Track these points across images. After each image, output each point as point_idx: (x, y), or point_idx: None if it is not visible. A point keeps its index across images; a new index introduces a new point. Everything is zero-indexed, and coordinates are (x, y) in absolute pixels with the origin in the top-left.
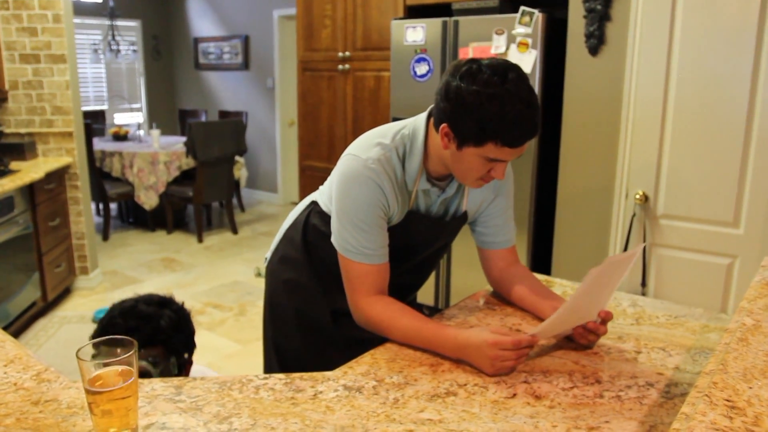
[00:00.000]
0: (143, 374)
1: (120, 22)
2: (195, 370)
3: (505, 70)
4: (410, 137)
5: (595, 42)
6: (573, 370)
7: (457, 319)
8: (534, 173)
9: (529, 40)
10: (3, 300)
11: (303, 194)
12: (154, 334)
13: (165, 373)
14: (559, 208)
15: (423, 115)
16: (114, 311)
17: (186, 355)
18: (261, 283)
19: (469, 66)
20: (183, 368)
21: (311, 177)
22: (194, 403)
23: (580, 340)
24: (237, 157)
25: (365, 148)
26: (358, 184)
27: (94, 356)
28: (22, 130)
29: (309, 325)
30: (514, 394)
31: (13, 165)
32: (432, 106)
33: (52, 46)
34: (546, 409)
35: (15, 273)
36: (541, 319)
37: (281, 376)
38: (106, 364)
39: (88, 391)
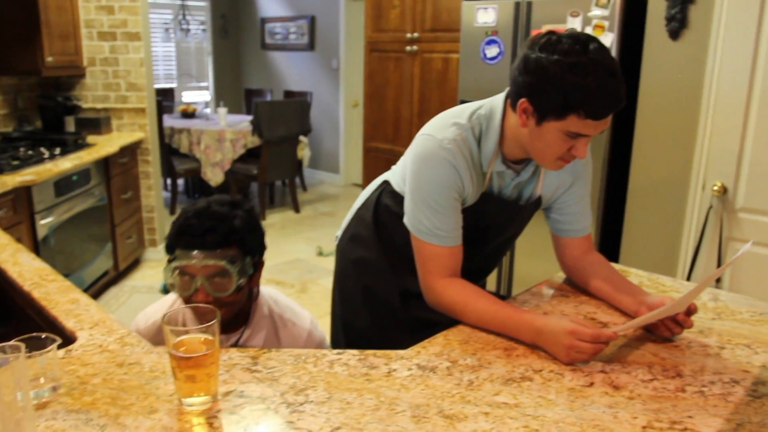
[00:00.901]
0: (222, 273)
1: (190, 2)
2: (265, 291)
3: (586, 39)
4: (487, 117)
5: (677, 25)
6: (652, 362)
7: (529, 304)
8: (605, 160)
9: (606, 23)
10: (78, 268)
11: (366, 175)
12: (229, 234)
13: (242, 273)
14: (630, 197)
15: (500, 96)
16: (188, 212)
17: (258, 257)
18: (322, 262)
19: (548, 37)
20: (257, 269)
21: (375, 158)
22: (270, 373)
23: (663, 332)
24: (301, 137)
25: (441, 128)
26: (433, 165)
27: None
28: (99, 106)
29: (377, 305)
30: (592, 383)
31: (90, 139)
32: (508, 88)
33: (128, 24)
34: (625, 400)
35: (90, 243)
36: (617, 309)
37: (355, 352)
38: (189, 332)
39: (172, 356)
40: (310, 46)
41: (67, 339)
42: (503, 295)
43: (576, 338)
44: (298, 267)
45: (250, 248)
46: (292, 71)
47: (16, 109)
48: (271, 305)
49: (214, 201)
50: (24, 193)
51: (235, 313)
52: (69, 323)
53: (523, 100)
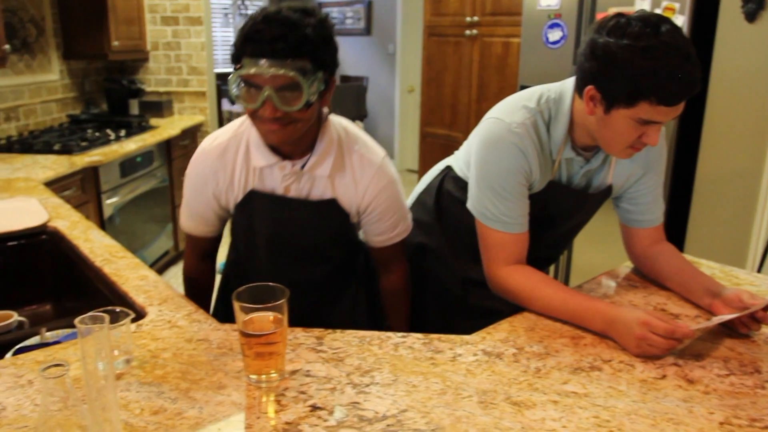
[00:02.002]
0: (292, 85)
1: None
2: (334, 118)
3: (657, 21)
4: (556, 102)
5: (754, 7)
6: (728, 357)
7: (595, 294)
8: (672, 148)
9: (677, 5)
10: (141, 247)
11: (423, 161)
12: (302, 43)
13: (314, 87)
14: (697, 187)
15: (570, 80)
16: (256, 18)
17: (330, 73)
18: None
19: (616, 20)
20: (329, 87)
21: (432, 143)
22: (335, 354)
23: (740, 328)
24: (357, 122)
25: (509, 112)
26: (501, 149)
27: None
28: (161, 89)
29: (437, 291)
30: (664, 376)
31: (153, 121)
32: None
33: (190, 9)
34: (700, 395)
35: (151, 223)
36: (689, 301)
37: (419, 335)
38: (259, 310)
39: (242, 333)
40: (367, 30)
41: (138, 314)
42: None
43: (649, 330)
44: None
45: (323, 62)
46: (349, 56)
47: (83, 92)
48: (341, 133)
49: (285, 6)
50: (92, 173)
51: (301, 134)
52: (139, 299)
53: (590, 87)
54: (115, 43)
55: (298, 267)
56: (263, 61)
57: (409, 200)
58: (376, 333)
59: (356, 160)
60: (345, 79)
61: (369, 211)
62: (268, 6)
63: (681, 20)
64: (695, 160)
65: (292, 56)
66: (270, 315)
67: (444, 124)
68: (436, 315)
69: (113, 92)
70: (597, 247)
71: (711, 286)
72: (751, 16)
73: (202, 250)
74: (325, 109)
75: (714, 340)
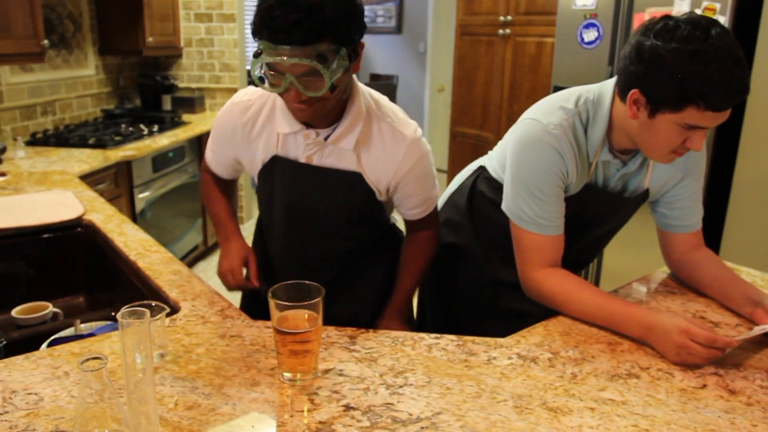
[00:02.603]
0: (314, 72)
1: None
2: (365, 88)
3: (707, 24)
4: (595, 103)
5: None
6: None
7: (632, 298)
8: (709, 152)
9: (718, 5)
10: (171, 242)
11: (452, 160)
12: (321, 27)
13: (337, 69)
14: (734, 193)
15: (610, 82)
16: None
17: (356, 42)
18: None
19: (664, 23)
20: (356, 57)
21: (462, 143)
22: (369, 354)
23: None
24: None
25: (547, 113)
26: (538, 150)
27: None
28: (193, 85)
29: (468, 292)
30: (704, 385)
31: (185, 117)
32: (617, 76)
33: (223, 6)
34: (743, 406)
35: (182, 218)
36: (729, 309)
37: (453, 337)
38: (294, 307)
39: (276, 331)
40: (398, 29)
41: (171, 308)
42: None
43: (689, 338)
44: None
45: (347, 37)
46: (379, 54)
47: (117, 87)
48: (371, 105)
49: None
50: (125, 167)
51: (331, 107)
52: (172, 293)
53: (634, 91)
54: (150, 39)
55: (315, 241)
56: (281, 49)
57: (441, 200)
58: (408, 333)
59: (387, 133)
60: (375, 77)
61: (400, 188)
62: None
63: (722, 21)
64: (733, 164)
65: (312, 42)
66: (305, 313)
67: (475, 124)
68: (466, 316)
69: (146, 88)
70: (628, 252)
71: (752, 294)
72: None
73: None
74: (352, 78)
75: (756, 349)
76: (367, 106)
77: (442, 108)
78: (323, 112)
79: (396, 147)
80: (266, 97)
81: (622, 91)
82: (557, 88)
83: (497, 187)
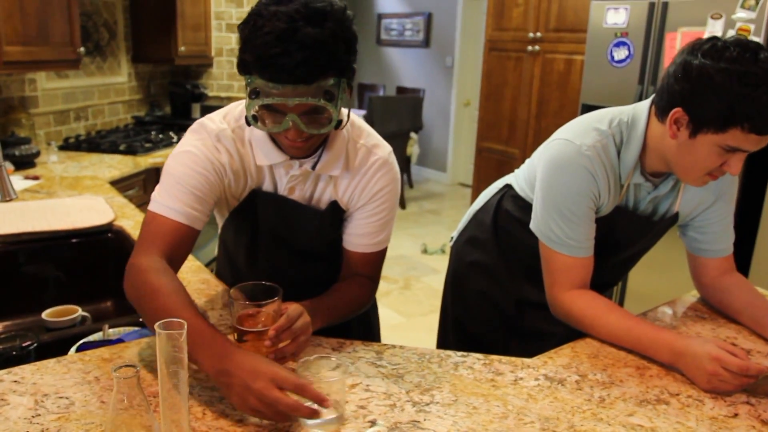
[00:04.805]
0: (319, 110)
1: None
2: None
3: (756, 48)
4: (629, 125)
5: None
6: None
7: (660, 323)
8: (740, 174)
9: (752, 27)
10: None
11: (478, 176)
12: (328, 65)
13: (341, 103)
14: (765, 216)
15: (645, 103)
16: (266, 32)
17: (353, 70)
18: (426, 260)
19: (713, 43)
20: (351, 81)
21: (488, 159)
22: (395, 370)
23: None
24: (411, 134)
25: (580, 134)
26: (570, 172)
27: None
28: (223, 94)
29: (491, 310)
30: (736, 414)
31: None
32: (653, 95)
33: None
34: None
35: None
36: (761, 336)
37: (479, 356)
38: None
39: (236, 329)
40: (425, 43)
41: None
42: None
43: (721, 366)
44: (402, 263)
45: (348, 68)
46: (406, 68)
47: (148, 94)
48: (348, 127)
49: (299, 13)
50: (154, 174)
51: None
52: (200, 302)
53: (677, 109)
54: (182, 48)
55: (296, 267)
56: (283, 89)
57: (465, 218)
58: (435, 351)
59: (362, 154)
60: (402, 90)
61: (364, 207)
62: (272, 12)
63: (756, 41)
64: (765, 186)
65: (316, 79)
66: (265, 311)
67: (501, 140)
68: (488, 334)
69: (177, 96)
70: (653, 274)
71: None
72: None
73: (172, 246)
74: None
75: None
76: (346, 129)
77: (467, 122)
78: (317, 144)
79: (370, 167)
80: (240, 130)
81: (663, 109)
82: (586, 106)
83: (523, 205)
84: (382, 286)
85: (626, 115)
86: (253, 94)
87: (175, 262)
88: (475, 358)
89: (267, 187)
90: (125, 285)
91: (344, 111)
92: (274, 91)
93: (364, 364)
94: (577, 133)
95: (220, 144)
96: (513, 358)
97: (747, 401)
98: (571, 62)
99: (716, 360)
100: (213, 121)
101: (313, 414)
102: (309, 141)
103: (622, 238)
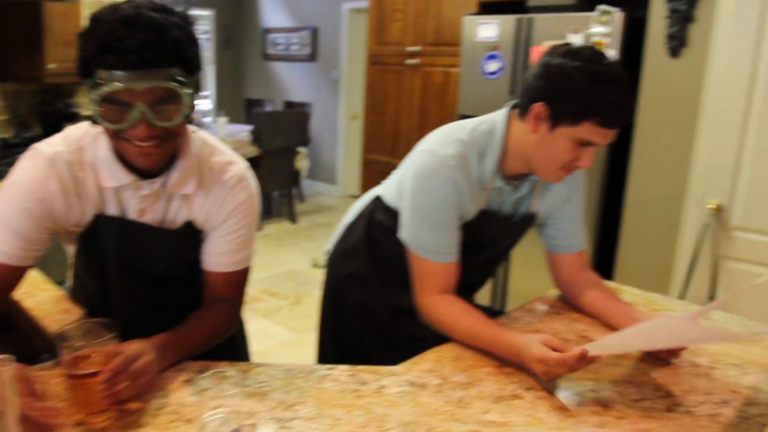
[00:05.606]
0: (170, 97)
1: (193, 11)
2: (190, 126)
3: (602, 53)
4: (488, 133)
5: (677, 43)
6: (643, 382)
7: (521, 321)
8: (602, 176)
9: (607, 40)
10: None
11: (365, 187)
12: (174, 48)
13: (192, 95)
14: (626, 214)
15: (502, 111)
16: (109, 20)
17: (198, 76)
18: (317, 274)
19: (567, 47)
20: (198, 89)
21: (373, 170)
22: (260, 388)
23: (662, 354)
24: (299, 148)
25: (442, 144)
26: (434, 182)
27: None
28: None
29: (368, 321)
30: (581, 402)
31: None
32: (512, 101)
33: None
34: (614, 420)
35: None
36: (610, 327)
37: (345, 367)
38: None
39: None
40: (312, 57)
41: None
42: (498, 310)
43: (547, 366)
44: (293, 278)
45: (194, 65)
46: (294, 82)
47: (16, 115)
48: (199, 144)
49: (141, 4)
50: None
51: (173, 150)
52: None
53: (539, 104)
54: (52, 66)
55: (155, 291)
56: (130, 74)
57: (338, 231)
58: (302, 366)
59: (216, 172)
60: (289, 105)
61: (222, 225)
62: (117, 6)
63: (611, 54)
64: (623, 189)
65: (165, 64)
66: (100, 351)
67: (385, 152)
68: (367, 344)
69: (47, 116)
70: (533, 272)
71: (632, 313)
72: (674, 52)
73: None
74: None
75: (631, 365)
76: (197, 145)
77: (356, 135)
78: (168, 154)
79: (224, 184)
80: (80, 152)
81: (525, 107)
82: (463, 116)
83: (394, 215)
84: (273, 303)
85: (486, 123)
86: (97, 86)
87: None
88: (341, 370)
89: (112, 211)
90: None
91: (188, 127)
92: (122, 78)
93: (228, 384)
94: (439, 144)
95: (53, 170)
96: (378, 367)
97: (593, 389)
98: (449, 75)
99: (540, 362)
100: (50, 144)
101: None
102: (162, 147)
103: (487, 239)
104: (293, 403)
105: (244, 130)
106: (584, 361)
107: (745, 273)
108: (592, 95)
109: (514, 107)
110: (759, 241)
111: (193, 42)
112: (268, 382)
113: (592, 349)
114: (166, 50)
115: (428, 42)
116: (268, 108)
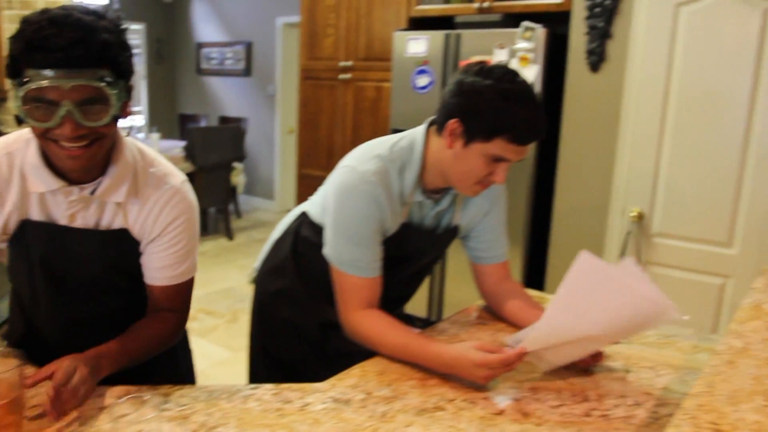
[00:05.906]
0: (97, 97)
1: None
2: (127, 138)
3: (514, 72)
4: (408, 149)
5: (596, 59)
6: (561, 388)
7: (448, 333)
8: (530, 188)
9: (530, 55)
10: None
11: (300, 202)
12: (102, 50)
13: (120, 97)
14: (554, 224)
15: (421, 127)
16: (39, 21)
17: (129, 81)
18: None
19: (481, 66)
20: (129, 97)
21: (309, 185)
22: (181, 412)
23: (579, 363)
24: (235, 164)
25: (363, 161)
26: (355, 198)
27: None
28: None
29: (297, 337)
30: (502, 411)
31: None
32: (431, 117)
33: None
34: (533, 427)
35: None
36: None
37: (270, 386)
38: None
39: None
40: (247, 71)
41: None
42: (434, 320)
43: (487, 369)
44: (230, 296)
45: (124, 69)
46: (228, 97)
47: None
48: (136, 155)
49: (72, 7)
50: None
51: (102, 155)
52: None
53: (453, 120)
54: None
55: (85, 302)
56: (57, 72)
57: (265, 248)
58: (225, 386)
59: (153, 183)
60: (224, 120)
61: (160, 238)
62: (47, 10)
63: (535, 69)
64: (551, 200)
65: (93, 64)
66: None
67: (320, 166)
68: (297, 360)
69: None
70: (468, 283)
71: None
72: (594, 67)
73: None
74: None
75: (551, 372)
76: (132, 155)
77: (292, 149)
78: (99, 156)
79: (161, 196)
80: (11, 156)
81: (441, 124)
82: (396, 131)
83: (320, 231)
84: (209, 322)
85: (405, 140)
86: (24, 84)
87: None
88: (265, 390)
89: (37, 216)
90: None
91: (123, 136)
92: (49, 75)
93: (148, 408)
94: (360, 160)
95: None
96: (303, 385)
97: (514, 397)
98: (381, 89)
99: (481, 365)
100: None
101: None
102: (89, 149)
103: (411, 252)
104: (215, 425)
105: (177, 146)
106: (522, 357)
107: (667, 277)
108: (503, 113)
109: (432, 123)
110: (677, 246)
111: (123, 46)
112: (190, 405)
113: (528, 345)
114: (94, 50)
115: (360, 57)
116: (203, 123)
